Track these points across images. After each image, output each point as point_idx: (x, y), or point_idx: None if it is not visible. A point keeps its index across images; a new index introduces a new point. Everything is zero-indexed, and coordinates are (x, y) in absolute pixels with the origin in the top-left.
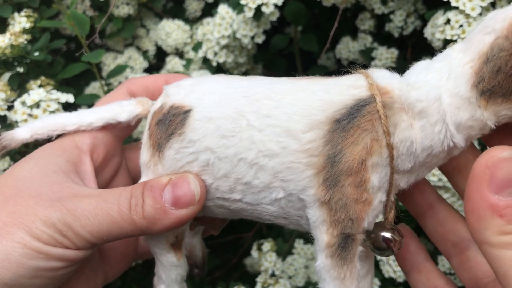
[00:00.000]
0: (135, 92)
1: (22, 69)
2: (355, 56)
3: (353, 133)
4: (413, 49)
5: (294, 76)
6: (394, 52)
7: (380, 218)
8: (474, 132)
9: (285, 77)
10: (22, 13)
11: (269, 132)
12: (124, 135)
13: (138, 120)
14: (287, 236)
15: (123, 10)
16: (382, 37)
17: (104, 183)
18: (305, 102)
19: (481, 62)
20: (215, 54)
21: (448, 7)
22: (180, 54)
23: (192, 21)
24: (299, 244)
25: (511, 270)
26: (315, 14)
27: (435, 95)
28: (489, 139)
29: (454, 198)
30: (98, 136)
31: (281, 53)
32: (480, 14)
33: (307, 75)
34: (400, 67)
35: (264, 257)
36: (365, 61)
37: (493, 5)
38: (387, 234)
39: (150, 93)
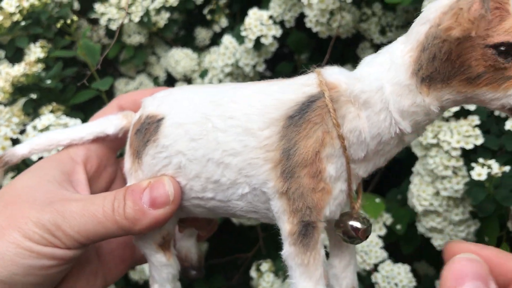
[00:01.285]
0: (124, 106)
1: (36, 96)
2: None
3: (305, 127)
4: None
5: None
6: None
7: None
8: (420, 118)
9: (250, 82)
10: (37, 44)
11: (232, 133)
12: (116, 147)
13: (125, 132)
14: None
15: (135, 39)
16: None
17: (100, 192)
18: (262, 103)
19: (418, 51)
20: (220, 81)
21: None
22: (188, 80)
23: (201, 49)
24: None
25: None
26: (320, 42)
27: (378, 85)
28: None
29: (445, 223)
30: (91, 148)
31: None
32: None
33: None
34: None
35: (262, 277)
36: None
37: None
38: (354, 223)
39: (138, 107)
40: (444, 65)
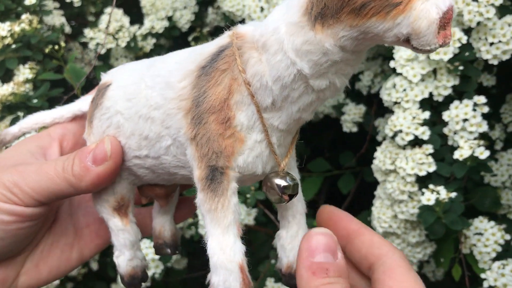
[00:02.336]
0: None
1: (22, 114)
2: (329, 110)
3: (213, 75)
4: (378, 106)
5: None
6: (362, 109)
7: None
8: (316, 57)
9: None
10: (26, 66)
11: (157, 88)
12: None
13: None
14: (255, 273)
15: (122, 62)
16: (354, 94)
17: None
18: (184, 58)
19: None
20: None
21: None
22: None
23: None
24: (270, 282)
25: None
26: None
27: (274, 27)
28: None
29: (404, 244)
30: (68, 127)
31: None
32: (423, 80)
33: None
34: (367, 122)
35: None
36: (337, 115)
37: (434, 73)
38: (278, 180)
39: None
40: (331, 0)
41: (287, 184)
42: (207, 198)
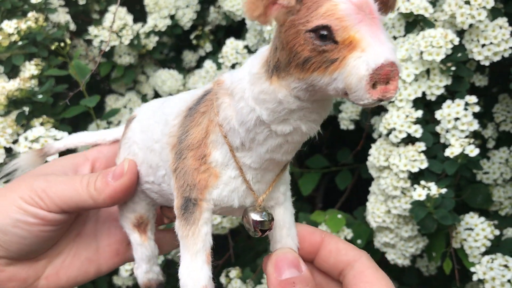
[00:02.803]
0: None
1: (28, 109)
2: None
3: (195, 117)
4: None
5: None
6: (358, 107)
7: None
8: (272, 105)
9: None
10: (32, 62)
11: (160, 124)
12: None
13: None
14: (254, 267)
15: (125, 59)
16: None
17: None
18: (182, 99)
19: (270, 46)
20: None
21: None
22: None
23: (188, 70)
24: None
25: None
26: None
27: (240, 77)
28: None
29: (397, 239)
30: (103, 151)
31: None
32: (416, 80)
33: None
34: (363, 120)
35: (231, 283)
36: (335, 113)
37: (427, 72)
38: (253, 215)
39: None
40: (282, 54)
41: (261, 220)
42: (181, 226)
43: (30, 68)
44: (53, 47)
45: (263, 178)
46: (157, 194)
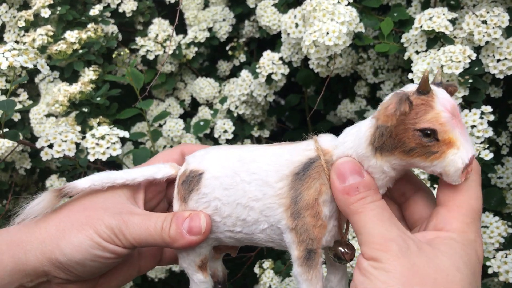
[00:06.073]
0: (185, 153)
1: (87, 110)
2: (352, 115)
3: (307, 181)
4: None
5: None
6: None
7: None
8: (377, 175)
9: (265, 144)
10: (91, 68)
11: (254, 184)
12: (161, 188)
13: (169, 179)
14: (283, 259)
15: (167, 68)
16: (375, 101)
17: (150, 208)
18: (276, 162)
19: (374, 129)
20: (236, 107)
21: None
22: (209, 105)
23: (222, 79)
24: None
25: (359, 225)
26: (325, 77)
27: (344, 151)
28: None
29: None
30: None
31: (294, 108)
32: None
33: (316, 129)
34: None
35: (264, 273)
36: (358, 119)
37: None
38: (343, 249)
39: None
40: (388, 140)
41: (350, 252)
42: (305, 271)
43: (89, 74)
44: (113, 56)
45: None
46: (235, 239)
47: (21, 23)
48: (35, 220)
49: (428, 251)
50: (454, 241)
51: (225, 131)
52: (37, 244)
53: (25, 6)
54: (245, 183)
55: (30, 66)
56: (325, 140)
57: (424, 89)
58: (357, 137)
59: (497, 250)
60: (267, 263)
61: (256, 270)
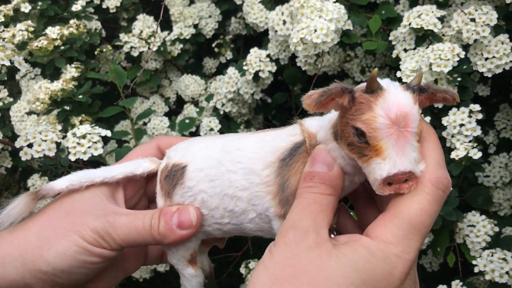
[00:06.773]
0: (162, 147)
1: (69, 108)
2: None
3: (294, 167)
4: None
5: None
6: None
7: None
8: (340, 160)
9: (249, 132)
10: (73, 65)
11: (240, 173)
12: (140, 184)
13: (149, 174)
14: None
15: (151, 64)
16: None
17: (131, 207)
18: (261, 149)
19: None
20: (223, 104)
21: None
22: (195, 102)
23: (208, 76)
24: None
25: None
26: (312, 76)
27: (322, 137)
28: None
29: None
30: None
31: (281, 107)
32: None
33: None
34: None
35: (250, 273)
36: None
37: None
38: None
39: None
40: (339, 129)
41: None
42: None
43: (71, 71)
44: (96, 53)
45: None
46: (223, 231)
47: (0, 18)
48: (11, 229)
49: (325, 250)
50: (365, 249)
51: (211, 129)
52: (16, 255)
53: (5, 0)
54: (231, 173)
55: (7, 63)
56: (311, 123)
57: (369, 88)
58: (329, 120)
59: (484, 249)
60: (253, 263)
61: (242, 270)
